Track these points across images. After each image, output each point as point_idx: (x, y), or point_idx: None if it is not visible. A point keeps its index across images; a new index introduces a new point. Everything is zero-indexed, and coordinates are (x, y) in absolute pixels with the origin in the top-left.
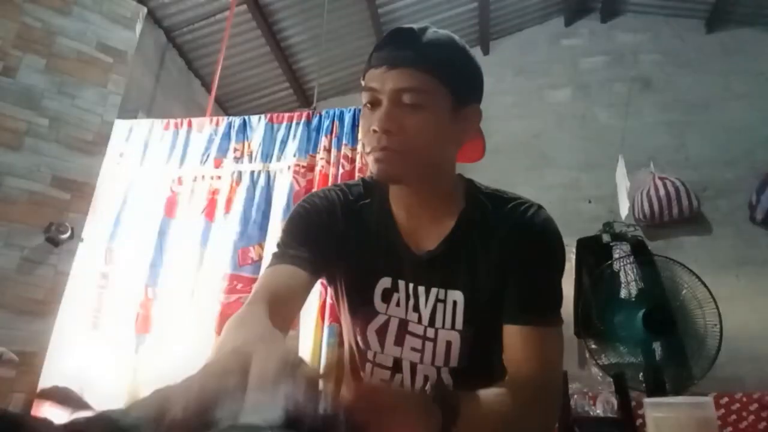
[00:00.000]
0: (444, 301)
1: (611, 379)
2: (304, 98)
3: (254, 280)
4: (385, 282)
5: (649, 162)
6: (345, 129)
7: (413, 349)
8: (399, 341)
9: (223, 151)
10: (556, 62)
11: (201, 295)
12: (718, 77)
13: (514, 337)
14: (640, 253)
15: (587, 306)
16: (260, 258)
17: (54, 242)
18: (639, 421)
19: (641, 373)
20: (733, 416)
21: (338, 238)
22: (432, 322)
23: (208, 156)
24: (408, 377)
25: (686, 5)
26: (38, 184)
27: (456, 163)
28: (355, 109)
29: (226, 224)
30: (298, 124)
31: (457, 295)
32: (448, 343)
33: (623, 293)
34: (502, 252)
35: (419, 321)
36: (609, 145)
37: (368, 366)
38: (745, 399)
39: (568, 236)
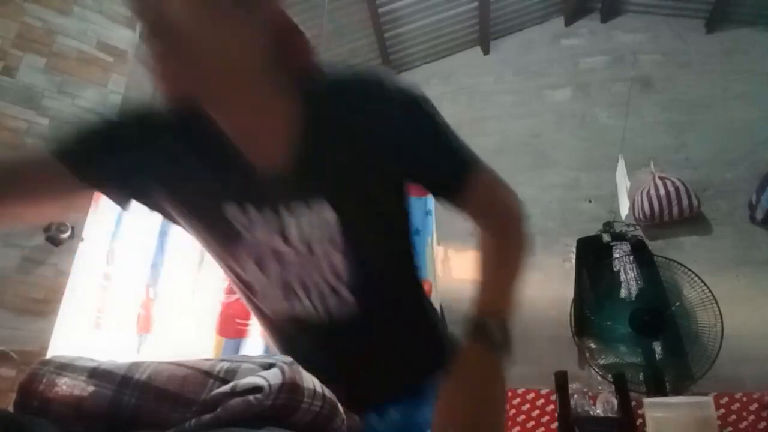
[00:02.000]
0: (313, 215)
1: (611, 379)
2: None
3: None
4: (233, 209)
5: (649, 162)
6: None
7: (296, 273)
8: (277, 263)
9: None
10: (556, 62)
11: (201, 295)
12: (718, 77)
13: (461, 199)
14: (640, 253)
15: (587, 306)
16: None
17: (54, 242)
18: (639, 421)
19: (641, 373)
20: (733, 416)
21: (150, 159)
22: (304, 241)
23: None
24: (305, 301)
25: (686, 5)
26: None
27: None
28: None
29: None
30: None
31: (325, 207)
32: (330, 258)
33: (623, 293)
34: (369, 137)
35: (288, 244)
36: (609, 145)
37: (261, 298)
38: (745, 399)
39: (568, 236)
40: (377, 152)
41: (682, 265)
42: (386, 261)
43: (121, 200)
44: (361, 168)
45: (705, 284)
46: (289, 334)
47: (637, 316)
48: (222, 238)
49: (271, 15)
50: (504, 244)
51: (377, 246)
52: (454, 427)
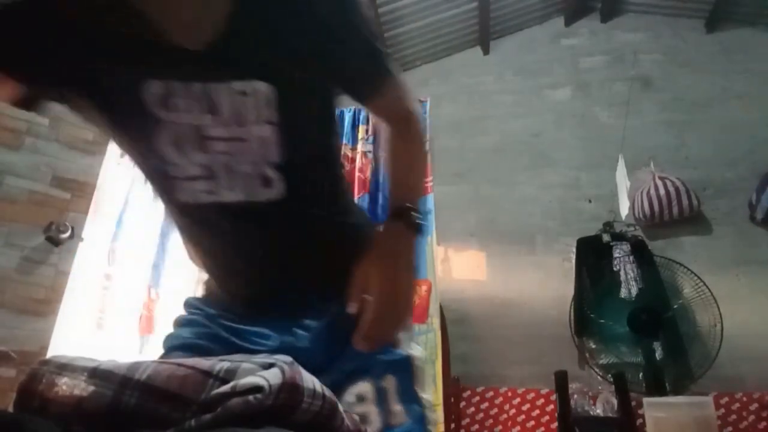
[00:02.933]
0: (246, 94)
1: (611, 379)
2: None
3: None
4: (157, 87)
5: (649, 162)
6: (345, 129)
7: (221, 152)
8: (201, 148)
9: None
10: (556, 62)
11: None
12: (718, 77)
13: (372, 101)
14: (640, 253)
15: (587, 305)
16: None
17: (54, 242)
18: (639, 421)
19: (641, 373)
20: (733, 416)
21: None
22: (237, 120)
23: None
24: (224, 180)
25: (686, 5)
26: (38, 183)
27: None
28: (355, 109)
29: None
30: None
31: (260, 85)
32: (262, 139)
33: (623, 293)
34: (296, 24)
35: (220, 123)
36: (609, 144)
37: (176, 183)
38: (745, 399)
39: (568, 236)
40: (303, 39)
41: (681, 264)
42: (316, 143)
43: (26, 93)
44: (290, 51)
45: (704, 284)
46: (208, 229)
47: (636, 315)
48: (139, 124)
49: None
50: (410, 142)
51: (309, 125)
52: (372, 293)
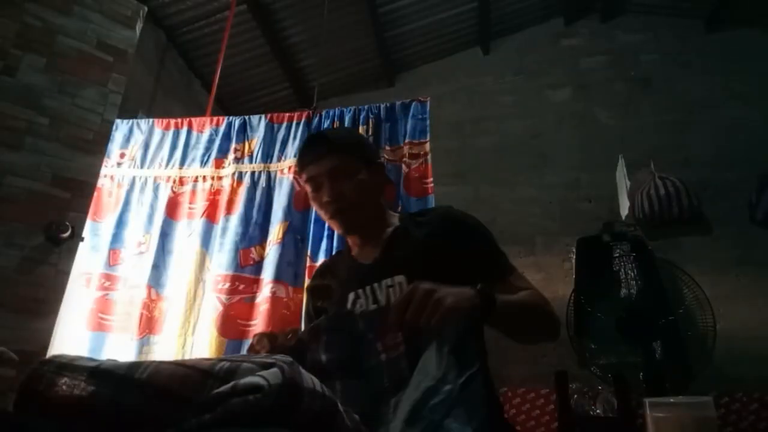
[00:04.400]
0: (393, 285)
1: (611, 379)
2: (304, 98)
3: (256, 281)
4: (352, 296)
5: (649, 162)
6: None
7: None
8: None
9: (223, 152)
10: (556, 62)
11: (203, 296)
12: (718, 77)
13: (501, 289)
14: (640, 253)
15: (587, 306)
16: (261, 258)
17: (54, 241)
18: (639, 421)
19: (641, 373)
20: (734, 416)
21: (327, 290)
22: (389, 302)
23: (209, 156)
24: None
25: (686, 5)
26: (38, 183)
27: (384, 202)
28: (355, 109)
29: (228, 225)
30: (298, 124)
31: (400, 278)
32: None
33: (623, 293)
34: (432, 237)
35: (378, 306)
36: (609, 145)
37: None
38: (745, 399)
39: (568, 236)
40: (437, 250)
41: (677, 267)
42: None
43: None
44: (425, 256)
45: (698, 285)
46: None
47: (625, 321)
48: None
49: (383, 179)
50: (536, 298)
51: None
52: (422, 290)
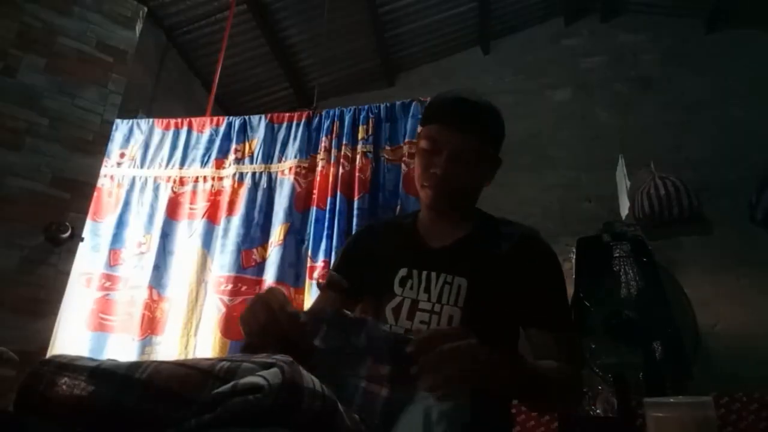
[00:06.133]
0: (451, 284)
1: (611, 379)
2: (304, 98)
3: (258, 282)
4: (403, 272)
5: (649, 162)
6: (345, 129)
7: (422, 321)
8: (410, 316)
9: (224, 152)
10: (556, 62)
11: (205, 297)
12: (718, 77)
13: (545, 338)
14: (640, 253)
15: (587, 306)
16: (263, 260)
17: (54, 242)
18: (639, 421)
19: (641, 373)
20: (733, 416)
21: (372, 251)
22: (439, 299)
23: (209, 157)
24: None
25: (686, 5)
26: (38, 183)
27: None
28: (354, 109)
29: (230, 226)
30: (298, 124)
31: (462, 281)
32: (451, 317)
33: (623, 293)
34: (510, 258)
35: (428, 299)
36: (609, 144)
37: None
38: (745, 399)
39: (568, 236)
40: (507, 273)
41: (670, 273)
42: (486, 334)
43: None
44: (493, 274)
45: (681, 287)
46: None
47: (625, 323)
48: (379, 294)
49: (496, 170)
50: (563, 369)
51: (489, 317)
52: (467, 344)
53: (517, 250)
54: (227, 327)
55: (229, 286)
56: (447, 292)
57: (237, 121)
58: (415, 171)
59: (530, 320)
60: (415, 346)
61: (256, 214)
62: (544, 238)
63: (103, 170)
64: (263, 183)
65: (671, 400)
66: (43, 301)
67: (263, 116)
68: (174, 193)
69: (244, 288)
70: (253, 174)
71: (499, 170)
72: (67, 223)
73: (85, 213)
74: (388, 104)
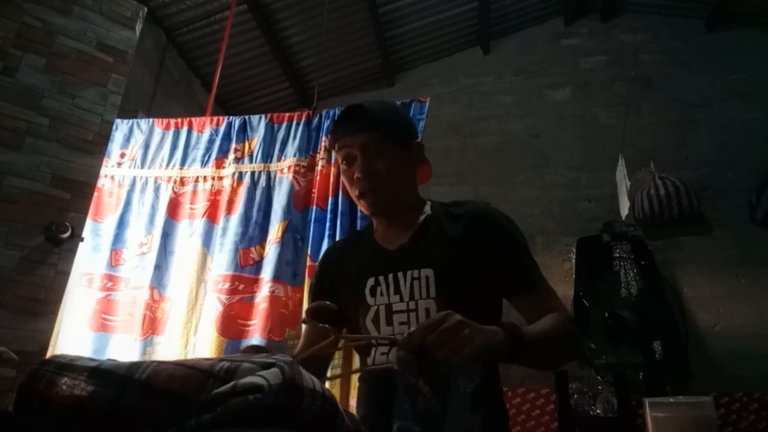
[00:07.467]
0: (419, 279)
1: (611, 379)
2: (304, 98)
3: (256, 281)
4: (371, 281)
5: (649, 162)
6: None
7: (401, 323)
8: (389, 321)
9: (224, 152)
10: (556, 62)
11: (204, 297)
12: (718, 77)
13: (532, 300)
14: (640, 253)
15: (587, 306)
16: (261, 258)
17: (54, 242)
18: (639, 421)
19: (641, 373)
20: (733, 416)
21: (338, 270)
22: (411, 296)
23: (209, 157)
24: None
25: (686, 5)
26: (38, 183)
27: (417, 186)
28: None
29: (228, 225)
30: (298, 123)
31: (428, 272)
32: (427, 309)
33: (623, 293)
34: (468, 236)
35: (401, 299)
36: (609, 145)
37: (371, 350)
38: (745, 399)
39: (568, 236)
40: (469, 252)
41: (662, 275)
42: (474, 316)
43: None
44: (456, 256)
45: (674, 287)
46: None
47: (625, 323)
48: (354, 308)
49: (421, 159)
50: (558, 321)
51: (464, 300)
52: (456, 320)
53: (473, 226)
54: (224, 326)
55: (227, 285)
56: (417, 287)
57: (237, 121)
58: (349, 192)
59: (512, 288)
60: (420, 332)
61: (254, 213)
62: (494, 207)
63: (104, 170)
64: (262, 182)
65: (671, 400)
66: (43, 301)
67: (263, 116)
68: (175, 193)
69: (241, 287)
70: (252, 173)
71: (499, 170)
72: (67, 223)
73: (85, 213)
74: None
